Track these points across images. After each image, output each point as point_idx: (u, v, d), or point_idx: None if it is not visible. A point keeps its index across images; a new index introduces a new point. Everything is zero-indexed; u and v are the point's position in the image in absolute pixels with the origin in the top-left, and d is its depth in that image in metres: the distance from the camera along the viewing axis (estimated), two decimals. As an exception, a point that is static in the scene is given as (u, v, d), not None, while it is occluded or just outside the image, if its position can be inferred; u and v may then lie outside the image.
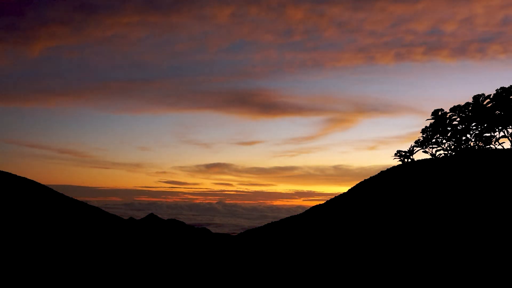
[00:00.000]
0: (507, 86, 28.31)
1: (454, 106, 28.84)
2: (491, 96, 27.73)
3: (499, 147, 26.89)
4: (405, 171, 29.70)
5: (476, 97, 27.94)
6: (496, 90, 27.73)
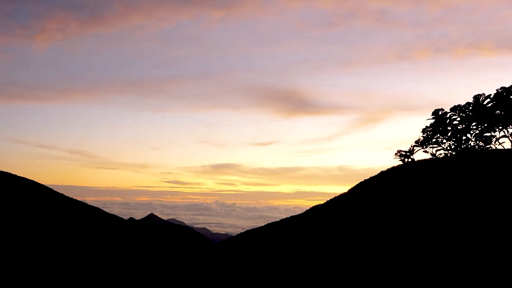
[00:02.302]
0: (507, 86, 28.22)
1: (454, 105, 28.74)
2: (492, 96, 27.66)
3: (499, 147, 26.83)
4: (400, 173, 29.65)
5: (476, 97, 27.87)
6: (496, 90, 27.65)
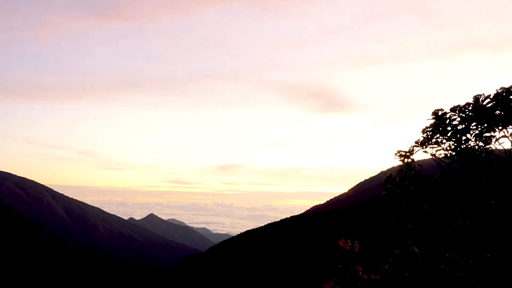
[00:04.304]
0: (507, 86, 28.27)
1: (454, 106, 28.81)
2: (491, 96, 27.70)
3: (499, 147, 26.83)
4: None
5: (476, 97, 27.90)
6: (496, 90, 27.69)
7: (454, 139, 6.87)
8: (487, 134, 6.73)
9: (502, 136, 6.45)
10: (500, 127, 6.55)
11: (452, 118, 7.00)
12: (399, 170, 6.68)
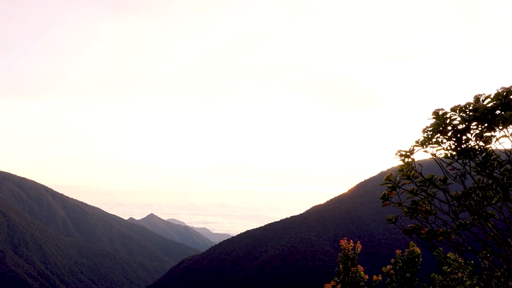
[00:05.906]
0: (507, 86, 28.26)
1: (455, 105, 28.80)
2: (492, 96, 27.69)
3: (500, 147, 26.82)
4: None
5: (477, 97, 27.90)
6: (496, 90, 27.69)
7: (454, 139, 6.85)
8: (488, 134, 6.71)
9: (503, 136, 6.44)
10: (500, 127, 6.54)
11: (452, 117, 6.97)
12: (400, 170, 6.67)
